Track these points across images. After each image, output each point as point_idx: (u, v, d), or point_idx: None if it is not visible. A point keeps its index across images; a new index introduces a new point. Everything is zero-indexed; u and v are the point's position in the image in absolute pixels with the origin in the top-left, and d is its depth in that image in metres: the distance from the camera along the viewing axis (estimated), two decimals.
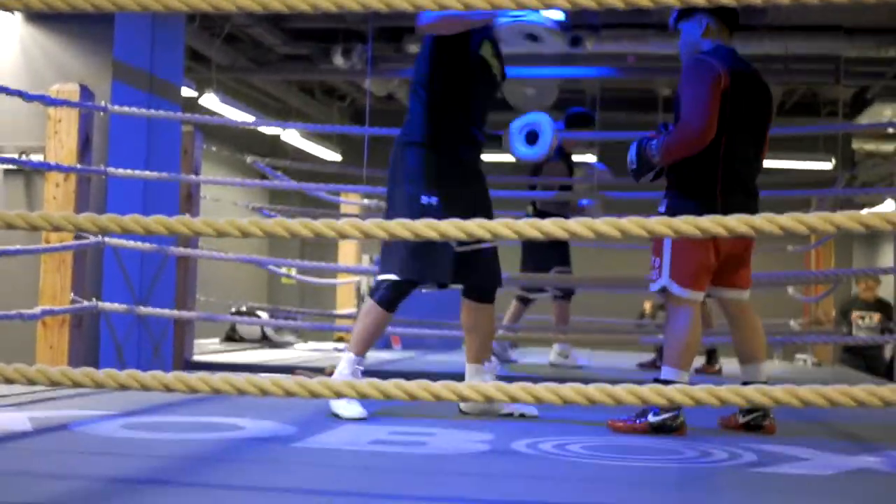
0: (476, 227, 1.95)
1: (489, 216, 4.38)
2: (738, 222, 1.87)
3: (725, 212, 4.11)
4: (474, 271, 4.39)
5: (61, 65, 6.22)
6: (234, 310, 9.96)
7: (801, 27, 9.88)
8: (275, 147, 13.63)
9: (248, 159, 7.52)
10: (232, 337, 10.04)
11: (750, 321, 4.31)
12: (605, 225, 1.90)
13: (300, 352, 9.26)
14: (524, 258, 7.90)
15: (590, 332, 9.78)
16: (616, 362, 8.61)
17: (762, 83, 4.31)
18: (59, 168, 5.39)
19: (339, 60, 10.69)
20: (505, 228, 1.94)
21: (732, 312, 4.32)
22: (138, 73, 6.49)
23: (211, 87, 10.79)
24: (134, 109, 5.74)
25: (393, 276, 4.26)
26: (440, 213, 4.05)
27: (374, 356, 8.24)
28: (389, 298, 4.29)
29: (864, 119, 12.11)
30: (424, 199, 4.22)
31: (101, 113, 5.83)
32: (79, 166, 5.67)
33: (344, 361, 4.32)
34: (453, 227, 1.92)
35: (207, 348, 8.97)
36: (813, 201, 10.80)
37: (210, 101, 10.67)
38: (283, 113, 13.64)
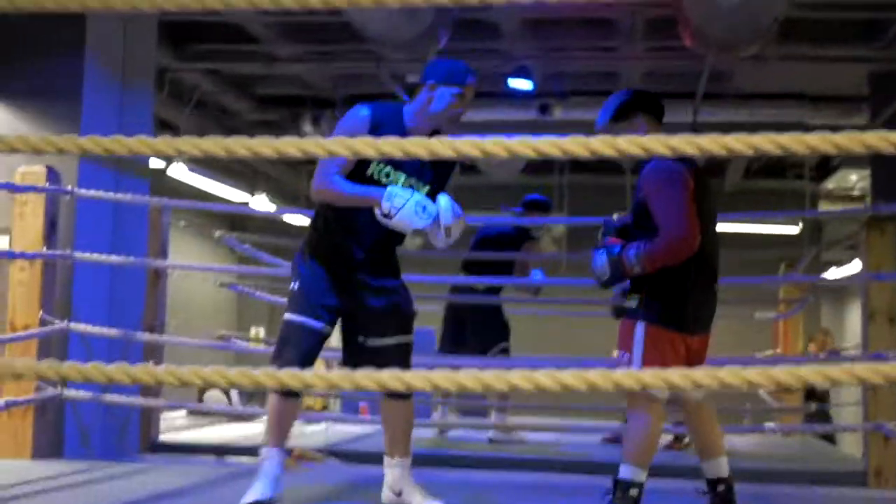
0: None
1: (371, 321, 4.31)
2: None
3: (696, 308, 4.15)
4: (384, 367, 4.25)
5: None
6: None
7: (767, 95, 9.98)
8: (243, 214, 13.58)
9: (216, 234, 7.45)
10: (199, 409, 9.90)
11: (707, 416, 4.23)
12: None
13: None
14: (452, 335, 7.75)
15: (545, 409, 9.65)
16: (576, 437, 8.06)
17: (703, 169, 4.27)
18: (23, 256, 5.31)
19: (307, 128, 10.68)
20: None
21: (689, 409, 4.23)
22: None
23: (179, 155, 10.72)
24: (101, 193, 5.68)
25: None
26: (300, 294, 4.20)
27: (343, 430, 8.15)
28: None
29: (831, 184, 12.23)
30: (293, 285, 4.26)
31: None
32: (45, 251, 5.58)
33: (261, 456, 4.24)
34: None
35: (175, 423, 8.84)
36: (782, 267, 10.87)
37: (178, 170, 10.62)
38: (252, 178, 13.61)
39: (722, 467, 4.21)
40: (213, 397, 10.81)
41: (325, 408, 10.60)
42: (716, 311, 4.19)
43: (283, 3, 1.73)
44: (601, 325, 5.29)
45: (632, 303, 4.10)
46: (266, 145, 1.74)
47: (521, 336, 8.24)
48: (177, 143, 1.79)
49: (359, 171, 4.07)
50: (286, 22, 8.80)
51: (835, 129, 6.19)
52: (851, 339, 12.08)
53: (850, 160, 11.44)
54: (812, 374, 1.61)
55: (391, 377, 1.62)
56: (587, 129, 9.20)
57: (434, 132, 4.19)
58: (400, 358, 4.26)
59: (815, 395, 10.41)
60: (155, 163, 9.68)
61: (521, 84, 9.37)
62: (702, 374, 1.58)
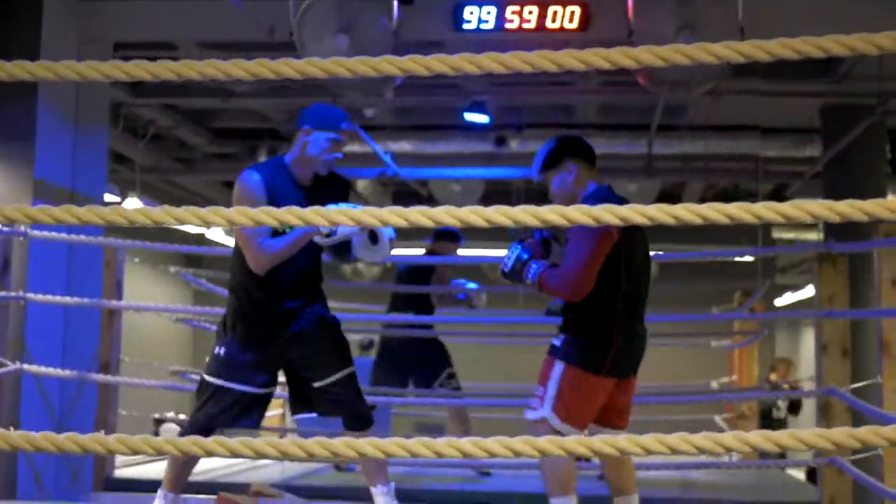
0: None
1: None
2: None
3: (619, 353, 4.18)
4: (337, 404, 4.37)
5: None
6: (156, 416, 9.77)
7: (722, 127, 10.09)
8: (200, 244, 13.52)
9: (172, 269, 7.42)
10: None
11: (622, 458, 4.32)
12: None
13: (222, 459, 9.05)
14: (390, 369, 7.69)
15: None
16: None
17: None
18: None
19: (263, 159, 10.66)
20: None
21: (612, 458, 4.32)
22: (59, 190, 6.39)
23: (134, 190, 10.68)
24: (54, 234, 5.64)
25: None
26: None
27: (299, 465, 8.08)
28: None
29: None
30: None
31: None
32: None
33: (158, 498, 4.43)
34: None
35: (130, 458, 8.74)
36: (737, 295, 10.98)
37: (133, 204, 10.56)
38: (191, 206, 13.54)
39: None
40: (169, 430, 10.74)
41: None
42: (642, 354, 4.31)
43: (231, 73, 1.74)
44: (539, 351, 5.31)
45: (556, 340, 4.21)
46: (218, 215, 1.75)
47: (462, 360, 8.24)
48: (126, 213, 1.79)
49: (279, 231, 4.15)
50: (242, 58, 8.79)
51: (788, 161, 6.25)
52: (806, 366, 12.19)
53: (804, 190, 11.58)
54: (757, 439, 1.64)
55: (342, 444, 1.63)
56: None
57: (316, 175, 4.29)
58: (352, 390, 4.36)
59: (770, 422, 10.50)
60: (110, 197, 9.62)
61: (477, 118, 9.42)
62: (651, 441, 1.61)
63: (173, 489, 4.36)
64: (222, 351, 4.27)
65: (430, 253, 7.77)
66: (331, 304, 4.52)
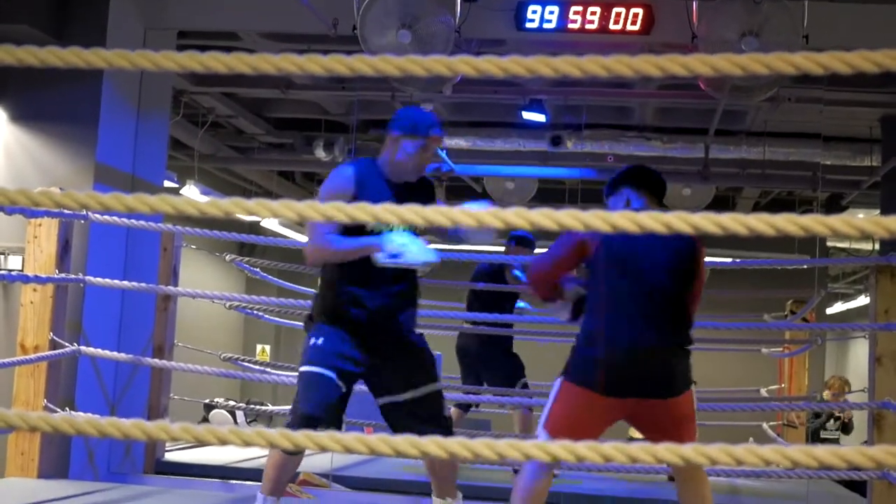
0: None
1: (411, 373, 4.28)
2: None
3: (612, 370, 3.92)
4: (417, 421, 4.17)
5: (44, 166, 6.23)
6: (206, 401, 9.89)
7: (780, 134, 10.01)
8: (254, 233, 13.63)
9: (227, 258, 7.50)
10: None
11: (700, 483, 4.17)
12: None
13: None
14: (475, 371, 7.68)
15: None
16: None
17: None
18: (37, 280, 5.36)
19: (320, 152, 10.73)
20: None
21: (683, 475, 4.17)
22: (120, 175, 6.50)
23: (192, 177, 10.80)
24: (115, 218, 5.73)
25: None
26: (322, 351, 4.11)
27: (348, 455, 8.14)
28: None
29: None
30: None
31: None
32: (56, 274, 5.64)
33: (258, 501, 4.19)
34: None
35: (180, 442, 8.87)
36: (789, 304, 10.89)
37: (191, 192, 10.68)
38: (263, 198, 13.66)
39: None
40: (219, 417, 10.86)
41: None
42: (663, 370, 4.02)
43: (283, 68, 1.78)
44: None
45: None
46: (289, 208, 1.78)
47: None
48: (191, 203, 1.83)
49: (357, 227, 4.00)
50: (303, 51, 8.87)
51: (846, 169, 6.19)
52: (854, 375, 12.04)
53: (860, 200, 11.45)
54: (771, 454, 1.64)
55: (432, 444, 1.66)
56: (598, 160, 9.31)
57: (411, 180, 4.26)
58: (439, 406, 4.26)
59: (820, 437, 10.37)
60: (168, 184, 9.75)
61: (535, 116, 9.42)
62: (691, 452, 1.62)
63: (273, 494, 4.16)
64: (319, 341, 4.15)
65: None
66: None
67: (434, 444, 1.64)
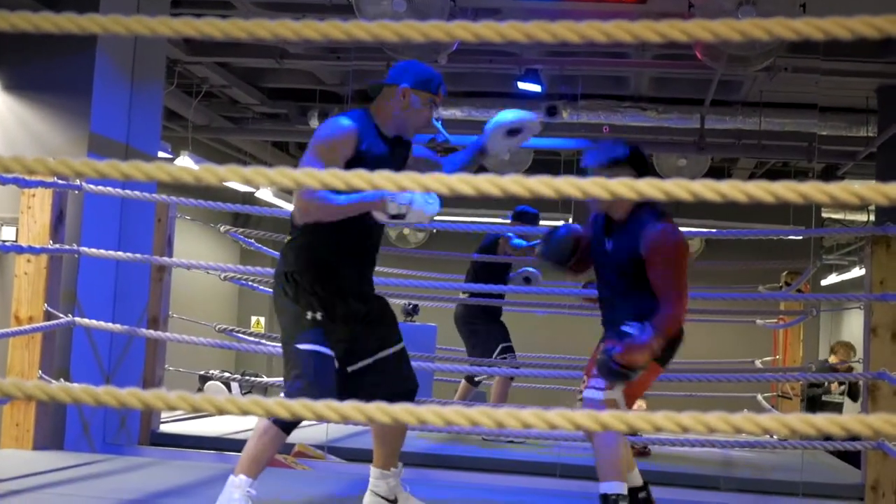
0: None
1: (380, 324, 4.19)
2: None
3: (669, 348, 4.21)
4: (382, 383, 4.08)
5: (38, 136, 6.19)
6: (202, 373, 9.89)
7: (776, 104, 9.99)
8: (248, 203, 13.63)
9: (222, 229, 7.49)
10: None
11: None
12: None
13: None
14: (468, 342, 7.93)
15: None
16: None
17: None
18: (31, 250, 5.34)
19: (315, 122, 10.70)
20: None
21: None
22: (114, 145, 6.47)
23: (186, 148, 10.77)
24: (109, 189, 5.71)
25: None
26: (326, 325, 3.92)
27: (343, 426, 8.17)
28: (288, 421, 3.85)
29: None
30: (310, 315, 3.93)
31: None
32: (51, 245, 5.62)
33: (232, 486, 3.88)
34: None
35: (176, 413, 8.88)
36: (783, 276, 10.89)
37: (185, 163, 10.64)
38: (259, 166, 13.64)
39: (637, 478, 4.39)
40: (214, 388, 10.87)
41: None
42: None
43: (279, 34, 1.76)
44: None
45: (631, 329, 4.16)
46: (285, 176, 1.76)
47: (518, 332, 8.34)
48: (187, 171, 1.81)
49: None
50: (297, 19, 8.82)
51: (842, 140, 6.19)
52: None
53: (856, 171, 11.44)
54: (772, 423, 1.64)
55: (403, 411, 1.65)
56: (594, 130, 9.29)
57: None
58: (405, 362, 4.18)
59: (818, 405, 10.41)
60: (162, 155, 9.71)
61: (530, 87, 9.39)
62: (689, 419, 1.61)
63: (253, 475, 3.91)
64: (318, 315, 3.92)
65: None
66: (377, 269, 4.33)
67: (433, 412, 1.64)
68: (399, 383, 4.14)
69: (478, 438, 7.49)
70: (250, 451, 3.92)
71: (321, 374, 3.84)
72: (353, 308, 4.03)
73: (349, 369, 4.04)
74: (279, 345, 4.12)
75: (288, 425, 3.92)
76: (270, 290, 8.39)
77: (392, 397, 3.75)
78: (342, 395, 3.89)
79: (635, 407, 4.52)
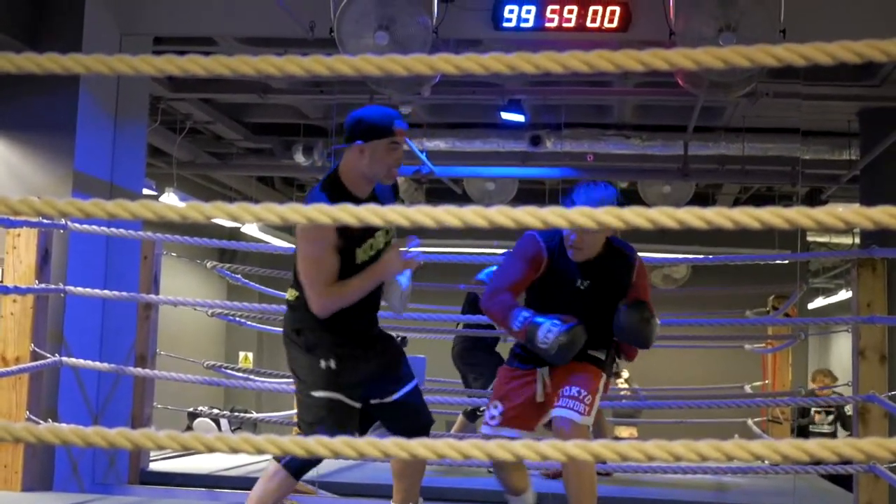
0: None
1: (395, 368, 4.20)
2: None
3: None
4: (400, 418, 4.13)
5: (22, 175, 6.19)
6: (190, 410, 9.84)
7: (759, 129, 10.03)
8: (234, 239, 13.61)
9: (208, 265, 7.48)
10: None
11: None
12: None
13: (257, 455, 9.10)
14: (467, 377, 7.82)
15: None
16: None
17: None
18: (17, 290, 5.32)
19: (299, 157, 10.70)
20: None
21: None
22: (99, 183, 6.46)
23: (171, 184, 10.75)
24: (94, 227, 5.70)
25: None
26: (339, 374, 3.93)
27: (334, 460, 8.13)
28: (299, 465, 3.91)
29: None
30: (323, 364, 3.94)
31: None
32: (37, 285, 5.60)
33: None
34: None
35: (166, 451, 8.83)
36: (770, 300, 10.91)
37: (170, 199, 10.64)
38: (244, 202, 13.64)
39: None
40: (203, 425, 10.81)
41: None
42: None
43: (262, 70, 1.76)
44: None
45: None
46: (271, 211, 1.76)
47: None
48: (172, 208, 1.81)
49: (348, 263, 3.84)
50: (281, 54, 8.84)
51: (825, 164, 6.21)
52: (837, 369, 12.10)
53: (839, 195, 11.49)
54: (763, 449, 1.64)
55: (446, 446, 1.64)
56: (578, 159, 9.31)
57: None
58: (419, 397, 4.19)
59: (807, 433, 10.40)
60: (147, 192, 9.71)
61: (514, 117, 9.42)
62: (681, 448, 1.61)
63: None
64: (332, 363, 3.94)
65: None
66: None
67: (448, 445, 1.63)
68: (415, 419, 4.15)
69: (480, 470, 7.42)
70: (257, 493, 3.95)
71: (339, 421, 3.87)
72: (365, 353, 4.04)
73: (366, 410, 4.07)
74: (268, 380, 4.13)
75: (299, 469, 3.94)
76: (258, 325, 8.42)
77: (409, 433, 3.92)
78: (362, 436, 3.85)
79: (626, 435, 4.53)
